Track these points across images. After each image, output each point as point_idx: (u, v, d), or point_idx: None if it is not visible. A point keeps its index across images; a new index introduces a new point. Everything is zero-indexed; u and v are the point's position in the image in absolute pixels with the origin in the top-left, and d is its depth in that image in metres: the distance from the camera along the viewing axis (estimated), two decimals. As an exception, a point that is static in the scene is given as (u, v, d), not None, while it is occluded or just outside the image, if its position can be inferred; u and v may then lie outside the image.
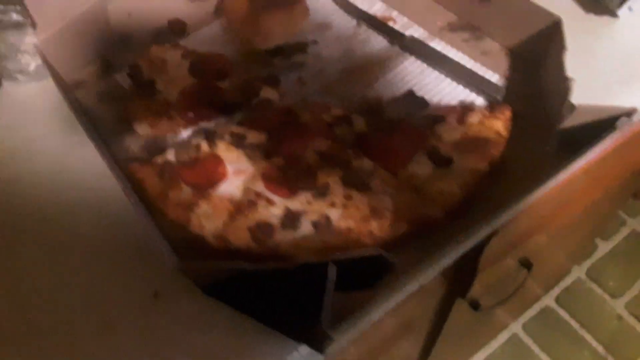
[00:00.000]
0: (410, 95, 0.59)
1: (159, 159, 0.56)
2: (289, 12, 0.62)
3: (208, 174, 0.53)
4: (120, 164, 0.55)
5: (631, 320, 0.53)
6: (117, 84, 0.65)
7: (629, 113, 0.54)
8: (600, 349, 0.50)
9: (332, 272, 0.41)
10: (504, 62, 0.65)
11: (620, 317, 0.49)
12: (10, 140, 0.61)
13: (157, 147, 0.59)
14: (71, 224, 0.54)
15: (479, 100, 0.61)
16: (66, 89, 0.61)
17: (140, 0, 0.71)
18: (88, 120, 0.59)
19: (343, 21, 0.71)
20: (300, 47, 0.65)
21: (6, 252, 0.53)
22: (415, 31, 0.69)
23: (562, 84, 0.54)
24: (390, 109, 0.57)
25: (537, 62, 0.63)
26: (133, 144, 0.61)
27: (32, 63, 0.68)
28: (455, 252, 0.46)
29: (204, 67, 0.63)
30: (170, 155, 0.56)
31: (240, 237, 0.49)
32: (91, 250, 0.53)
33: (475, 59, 0.65)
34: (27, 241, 0.54)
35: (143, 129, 0.60)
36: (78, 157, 0.59)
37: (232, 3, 0.64)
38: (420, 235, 0.50)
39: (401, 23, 0.70)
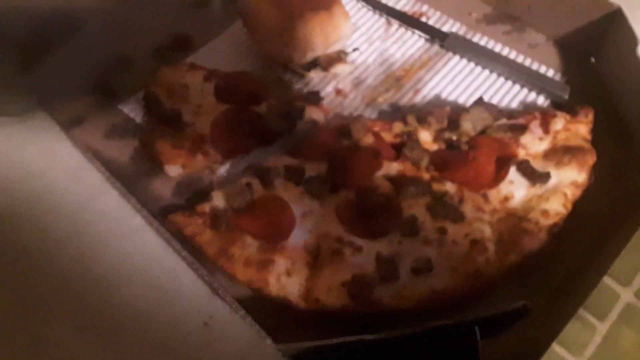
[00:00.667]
0: (480, 102, 0.53)
1: (206, 207, 0.47)
2: (328, 19, 0.53)
3: (275, 222, 0.45)
4: (155, 214, 0.45)
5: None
6: (125, 116, 0.55)
7: None
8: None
9: (478, 334, 0.35)
10: (555, 56, 0.60)
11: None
12: (9, 202, 0.49)
13: (194, 190, 0.50)
14: (111, 293, 0.44)
15: (541, 100, 0.56)
16: (63, 126, 0.50)
17: (132, 13, 0.60)
18: (101, 163, 0.49)
19: (371, 20, 0.63)
20: (340, 57, 0.56)
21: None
22: (451, 26, 0.63)
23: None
24: (462, 120, 0.50)
25: (590, 54, 0.59)
26: (162, 188, 0.51)
27: (13, 98, 0.56)
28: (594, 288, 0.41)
29: (232, 89, 0.53)
30: (218, 201, 0.47)
31: (335, 296, 0.41)
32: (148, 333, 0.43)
33: (523, 53, 0.60)
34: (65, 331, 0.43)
35: (174, 170, 0.50)
36: (99, 212, 0.48)
37: (256, 12, 0.54)
38: (527, 264, 0.44)
39: (434, 18, 0.64)
